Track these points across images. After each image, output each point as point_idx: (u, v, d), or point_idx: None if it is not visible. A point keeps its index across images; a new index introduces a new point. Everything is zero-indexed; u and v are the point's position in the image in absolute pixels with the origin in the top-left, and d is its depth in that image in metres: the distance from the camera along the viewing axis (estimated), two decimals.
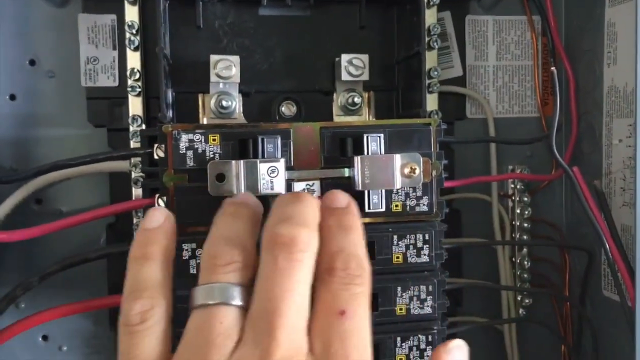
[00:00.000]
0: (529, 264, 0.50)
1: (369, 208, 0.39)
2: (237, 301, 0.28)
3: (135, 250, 0.30)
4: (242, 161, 0.37)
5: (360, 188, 0.38)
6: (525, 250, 0.51)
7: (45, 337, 0.48)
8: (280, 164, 0.37)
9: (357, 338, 0.27)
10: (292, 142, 0.39)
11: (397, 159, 0.38)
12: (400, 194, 0.40)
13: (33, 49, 0.46)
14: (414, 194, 0.40)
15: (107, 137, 0.47)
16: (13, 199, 0.44)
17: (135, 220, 0.45)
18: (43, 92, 0.46)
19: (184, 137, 0.38)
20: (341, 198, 0.32)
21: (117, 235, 0.47)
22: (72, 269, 0.43)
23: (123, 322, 0.29)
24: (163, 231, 0.31)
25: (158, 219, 0.32)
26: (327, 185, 0.39)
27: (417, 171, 0.39)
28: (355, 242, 0.30)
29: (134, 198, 0.44)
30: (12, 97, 0.46)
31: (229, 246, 0.29)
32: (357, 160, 0.38)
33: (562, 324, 0.51)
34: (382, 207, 0.39)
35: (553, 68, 0.42)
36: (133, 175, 0.44)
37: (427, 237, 0.40)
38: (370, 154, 0.39)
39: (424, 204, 0.40)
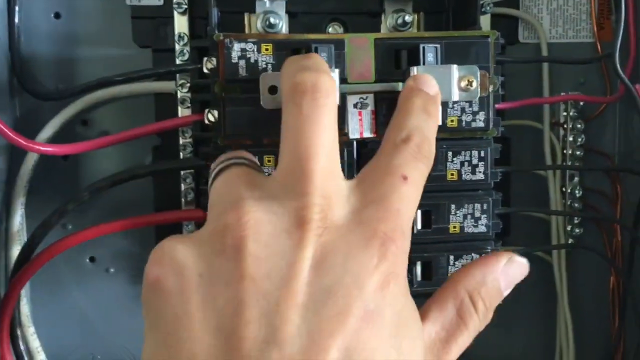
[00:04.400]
0: (581, 192, 0.49)
1: None
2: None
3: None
4: None
5: None
6: (576, 179, 0.49)
7: (92, 259, 0.48)
8: (335, 75, 0.36)
9: (410, 207, 0.27)
10: (346, 54, 0.38)
11: (455, 70, 0.37)
12: (456, 108, 0.39)
13: None
14: (470, 108, 0.39)
15: (152, 57, 0.46)
16: (59, 118, 0.44)
17: (181, 141, 0.44)
18: (87, 10, 0.46)
19: (237, 46, 0.37)
20: (433, 84, 0.32)
21: (163, 157, 0.46)
22: (120, 192, 0.43)
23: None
24: None
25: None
26: (381, 99, 0.38)
27: (475, 84, 0.38)
28: (433, 130, 0.30)
29: (181, 116, 0.44)
30: (57, 16, 0.46)
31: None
32: (413, 70, 0.37)
33: (612, 254, 0.50)
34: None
35: None
36: (179, 94, 0.44)
37: (482, 154, 0.39)
38: (426, 65, 0.38)
39: (480, 120, 0.39)
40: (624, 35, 0.48)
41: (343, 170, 0.37)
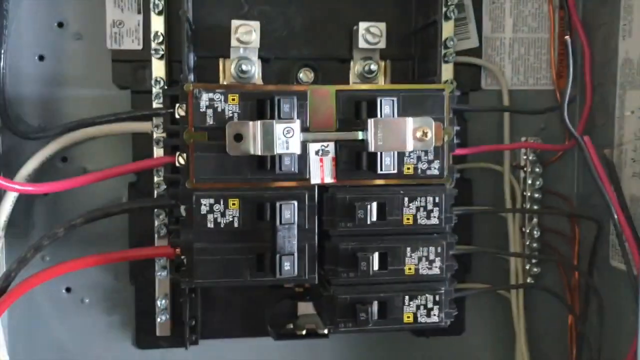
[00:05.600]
0: (539, 233, 0.51)
1: (381, 170, 0.40)
2: None
3: None
4: (258, 122, 0.38)
5: (373, 149, 0.39)
6: (535, 220, 0.51)
7: (68, 289, 0.50)
8: (296, 125, 0.39)
9: None
10: (308, 104, 0.40)
11: (410, 122, 0.39)
12: (412, 157, 0.41)
13: (61, 12, 0.48)
14: (426, 157, 0.41)
15: (131, 98, 0.48)
16: (40, 156, 0.46)
17: (156, 179, 0.46)
18: (70, 53, 0.48)
19: (205, 96, 0.39)
20: None
21: (138, 194, 0.48)
22: (96, 225, 0.45)
23: None
24: None
25: None
26: (342, 147, 0.41)
27: (429, 135, 0.40)
28: None
29: (155, 157, 0.46)
30: (41, 58, 0.48)
31: None
32: (371, 122, 0.39)
33: (570, 293, 0.52)
34: (394, 169, 0.41)
35: (567, 37, 0.43)
36: (155, 135, 0.46)
37: (437, 200, 0.41)
38: (383, 117, 0.40)
39: (435, 168, 0.42)
40: (581, 84, 0.50)
41: (304, 214, 0.40)
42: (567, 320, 0.53)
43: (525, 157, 0.51)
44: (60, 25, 0.48)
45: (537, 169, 0.51)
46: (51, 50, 0.48)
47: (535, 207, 0.51)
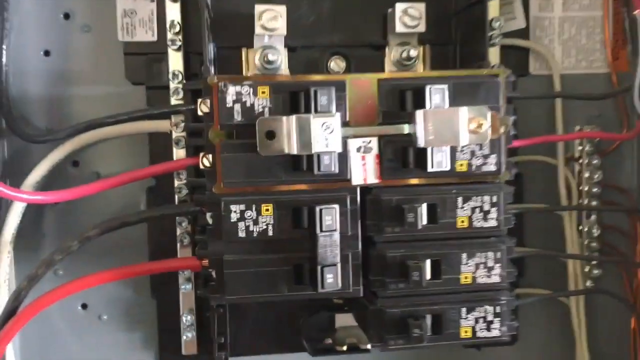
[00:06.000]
0: (598, 232, 0.47)
1: (431, 167, 0.36)
2: None
3: None
4: (293, 117, 0.34)
5: (422, 145, 0.35)
6: (593, 217, 0.47)
7: (84, 306, 0.46)
8: (336, 119, 0.34)
9: None
10: (347, 96, 0.36)
11: (464, 112, 0.35)
12: (465, 152, 0.37)
13: (68, 2, 0.44)
14: (481, 152, 0.37)
15: (146, 95, 0.44)
16: (49, 161, 0.42)
17: (176, 183, 0.42)
18: (78, 47, 0.44)
19: (231, 90, 0.35)
20: None
21: (157, 199, 0.44)
22: (112, 234, 0.40)
23: None
24: None
25: None
26: (386, 143, 0.36)
27: (485, 126, 0.35)
28: None
29: (175, 159, 0.42)
30: (47, 53, 0.44)
31: None
32: (420, 114, 0.34)
33: (634, 297, 0.47)
34: (446, 166, 0.36)
35: (637, 12, 0.38)
36: (174, 135, 0.42)
37: (494, 199, 0.37)
38: (433, 107, 0.35)
39: (491, 163, 0.37)
40: None
41: (345, 218, 0.36)
42: (629, 324, 0.48)
43: (580, 147, 0.47)
44: (67, 16, 0.44)
45: (595, 161, 0.46)
46: (57, 44, 0.44)
47: (594, 202, 0.46)
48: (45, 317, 0.45)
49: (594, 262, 0.47)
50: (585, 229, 0.47)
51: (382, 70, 0.44)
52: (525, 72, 0.47)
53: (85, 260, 0.44)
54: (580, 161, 0.47)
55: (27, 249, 0.44)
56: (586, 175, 0.46)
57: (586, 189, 0.46)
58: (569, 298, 0.47)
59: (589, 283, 0.47)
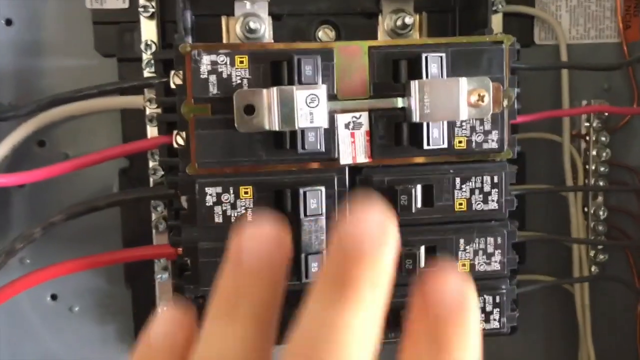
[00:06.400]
0: (605, 214, 0.43)
1: (427, 144, 0.33)
2: None
3: None
4: (274, 88, 0.30)
5: (417, 119, 0.32)
6: (600, 198, 0.44)
7: (54, 297, 0.43)
8: (322, 91, 0.31)
9: None
10: (334, 65, 0.32)
11: (463, 83, 0.31)
12: (464, 127, 0.33)
13: None
14: (481, 127, 0.34)
15: (118, 67, 0.40)
16: (11, 140, 0.38)
17: (151, 164, 0.39)
18: (43, 15, 0.40)
19: (206, 59, 0.31)
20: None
21: (131, 182, 0.41)
22: (84, 220, 0.37)
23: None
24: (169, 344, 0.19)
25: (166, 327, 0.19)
26: (377, 118, 0.33)
27: (486, 99, 0.32)
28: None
29: (149, 137, 0.38)
30: (8, 22, 0.40)
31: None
32: (414, 85, 0.31)
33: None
34: (443, 143, 0.33)
35: None
36: (147, 111, 0.38)
37: (495, 179, 0.34)
38: (429, 78, 0.32)
39: (492, 140, 0.34)
40: None
41: (332, 201, 0.32)
42: (635, 312, 0.45)
43: (587, 124, 0.43)
44: None
45: (603, 138, 0.43)
46: (20, 12, 0.40)
47: (601, 183, 0.43)
48: (14, 308, 0.42)
49: (600, 247, 0.43)
50: (592, 211, 0.44)
51: (375, 39, 0.40)
52: (529, 41, 0.44)
53: (54, 247, 0.41)
54: (587, 138, 0.43)
55: None
56: (593, 153, 0.43)
57: (593, 167, 0.43)
58: (574, 285, 0.44)
59: (594, 269, 0.44)
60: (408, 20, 0.39)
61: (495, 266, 0.34)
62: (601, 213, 0.43)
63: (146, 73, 0.38)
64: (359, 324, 0.16)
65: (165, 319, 0.19)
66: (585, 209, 0.44)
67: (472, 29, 0.40)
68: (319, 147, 0.32)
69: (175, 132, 0.33)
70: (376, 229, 0.16)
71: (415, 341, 0.17)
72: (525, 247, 0.45)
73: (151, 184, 0.39)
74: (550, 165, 0.44)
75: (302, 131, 0.31)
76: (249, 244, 0.18)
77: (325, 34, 0.42)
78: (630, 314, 0.46)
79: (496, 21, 0.40)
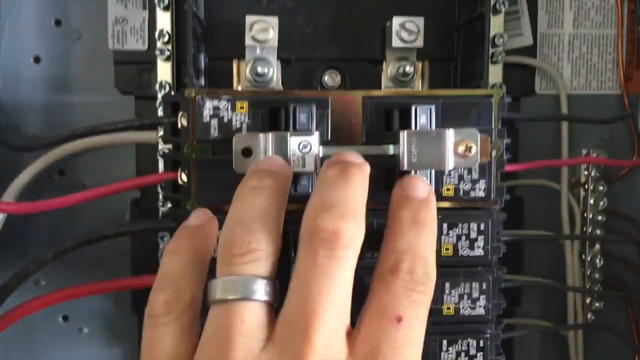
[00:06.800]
0: (602, 262, 0.44)
1: None
2: (261, 296, 0.25)
3: (168, 245, 0.28)
4: (270, 134, 0.32)
5: (405, 168, 0.33)
6: (597, 246, 0.44)
7: (65, 318, 0.45)
8: (314, 138, 0.32)
9: (410, 350, 0.24)
10: (329, 113, 0.34)
11: (450, 134, 0.33)
12: (452, 176, 0.35)
13: (59, 9, 0.43)
14: (469, 176, 0.35)
15: (135, 104, 0.43)
16: (32, 169, 0.41)
17: (161, 196, 0.41)
18: (69, 54, 0.43)
19: (208, 104, 0.34)
20: (421, 187, 0.29)
21: (142, 212, 0.43)
22: (97, 246, 0.40)
23: (147, 314, 0.26)
24: (201, 229, 0.29)
25: (200, 217, 0.30)
26: (369, 164, 0.34)
27: (474, 150, 0.33)
28: (427, 244, 0.27)
29: (160, 172, 0.41)
30: (37, 60, 0.43)
31: (248, 231, 0.26)
32: (403, 135, 0.33)
33: (638, 333, 0.45)
34: None
35: None
36: (160, 146, 0.41)
37: (482, 227, 0.35)
38: (419, 128, 0.34)
39: (480, 189, 0.35)
40: None
41: None
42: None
43: (586, 172, 0.44)
44: (58, 23, 0.43)
45: (601, 187, 0.44)
46: (48, 51, 0.43)
47: (598, 231, 0.44)
48: (29, 327, 0.44)
49: (595, 295, 0.44)
50: (588, 259, 0.44)
51: (379, 85, 0.42)
52: (530, 91, 0.45)
53: (68, 272, 0.43)
54: (586, 187, 0.44)
55: (11, 257, 0.43)
56: (591, 201, 0.44)
57: (590, 216, 0.44)
58: (568, 332, 0.44)
59: (590, 316, 0.44)
60: (409, 69, 0.41)
61: (480, 311, 0.35)
62: (598, 261, 0.44)
63: (160, 111, 0.41)
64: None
65: (199, 213, 0.30)
66: (583, 256, 0.45)
67: (472, 79, 0.41)
68: (310, 190, 0.34)
69: (180, 170, 0.35)
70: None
71: (396, 218, 0.27)
72: (522, 291, 0.45)
73: (160, 215, 0.41)
74: (550, 210, 0.45)
75: (296, 175, 0.33)
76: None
77: (331, 78, 0.44)
78: None
79: (496, 71, 0.41)
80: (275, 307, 0.26)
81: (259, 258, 0.25)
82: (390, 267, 0.26)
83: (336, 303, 0.24)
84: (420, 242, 0.27)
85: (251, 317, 0.24)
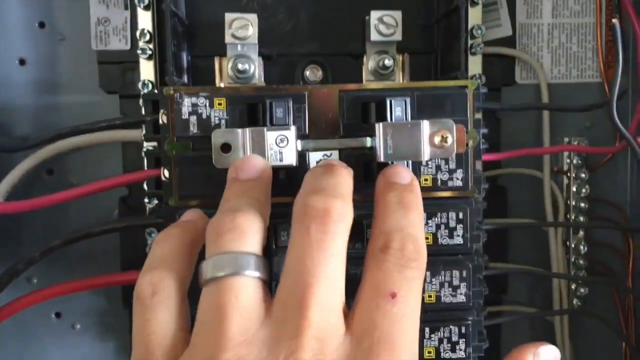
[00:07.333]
0: (586, 249, 0.44)
1: None
2: (251, 272, 0.25)
3: (158, 235, 0.29)
4: (247, 129, 0.33)
5: (382, 159, 0.33)
6: (581, 233, 0.45)
7: (58, 315, 0.46)
8: (291, 132, 0.33)
9: (407, 325, 0.25)
10: (307, 107, 0.35)
11: (425, 125, 0.33)
12: (430, 166, 0.35)
13: (42, 11, 0.44)
14: (446, 166, 0.35)
15: (120, 103, 0.44)
16: (20, 168, 0.41)
17: (147, 192, 0.42)
18: (53, 56, 0.44)
19: (187, 101, 0.34)
20: (404, 173, 0.30)
21: (130, 209, 0.44)
22: (87, 242, 0.40)
23: (135, 297, 0.27)
24: (191, 222, 0.30)
25: (191, 215, 0.31)
26: (347, 156, 0.35)
27: (450, 140, 0.34)
28: (415, 223, 0.27)
29: (143, 170, 0.41)
30: (22, 62, 0.44)
31: (234, 212, 0.27)
32: (379, 127, 0.33)
33: (624, 318, 0.45)
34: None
35: (614, 20, 0.36)
36: (144, 144, 0.41)
37: (460, 215, 0.35)
38: (394, 120, 0.34)
39: (457, 178, 0.35)
40: (633, 75, 0.43)
41: None
42: (620, 349, 0.46)
43: (568, 160, 0.45)
44: (42, 25, 0.44)
45: (583, 175, 0.44)
46: (33, 53, 0.44)
47: (582, 218, 0.44)
48: (23, 324, 0.45)
49: (579, 281, 0.44)
50: (572, 245, 0.45)
51: (360, 79, 0.43)
52: (511, 81, 0.45)
53: (59, 269, 0.44)
54: (568, 174, 0.45)
55: (4, 257, 0.44)
56: (573, 189, 0.44)
57: (573, 203, 0.44)
58: (554, 318, 0.45)
59: (575, 302, 0.45)
60: (388, 62, 0.41)
61: (461, 298, 0.36)
62: (582, 247, 0.44)
63: (143, 110, 0.41)
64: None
65: (190, 212, 0.31)
66: (567, 243, 0.45)
67: (452, 70, 0.42)
68: (288, 183, 0.34)
69: (162, 166, 0.36)
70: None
71: (382, 202, 0.28)
72: (508, 279, 0.46)
73: (147, 212, 0.42)
74: (534, 198, 0.46)
75: (274, 169, 0.34)
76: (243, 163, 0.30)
77: (312, 73, 0.44)
78: (615, 348, 0.46)
79: (476, 62, 0.42)
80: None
81: (247, 234, 0.26)
82: (380, 247, 0.26)
83: (329, 276, 0.25)
84: (409, 221, 0.27)
85: (245, 292, 0.25)
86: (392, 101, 0.34)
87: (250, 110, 0.34)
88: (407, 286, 0.25)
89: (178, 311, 0.26)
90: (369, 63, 0.43)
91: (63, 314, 0.46)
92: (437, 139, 0.34)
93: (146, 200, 0.41)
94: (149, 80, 0.41)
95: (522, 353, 0.27)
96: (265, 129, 0.33)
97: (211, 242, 0.26)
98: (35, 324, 0.45)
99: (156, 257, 0.28)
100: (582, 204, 0.44)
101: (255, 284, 0.25)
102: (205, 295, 0.25)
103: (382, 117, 0.34)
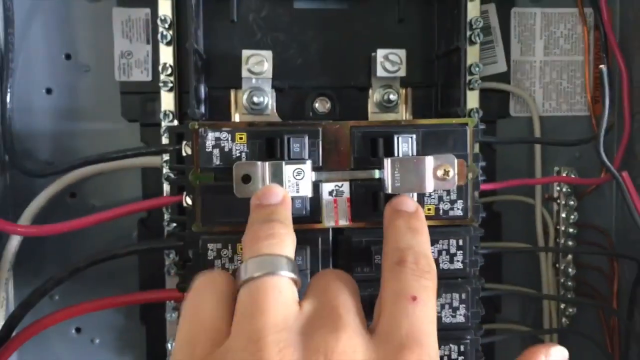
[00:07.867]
0: (574, 271, 0.48)
1: None
2: (287, 272, 0.27)
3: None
4: (267, 162, 0.36)
5: (390, 191, 0.37)
6: (570, 256, 0.48)
7: (78, 330, 0.48)
8: (307, 166, 0.36)
9: (429, 327, 0.27)
10: (320, 142, 0.38)
11: (429, 160, 0.36)
12: (433, 197, 0.38)
13: (69, 43, 0.46)
14: (448, 197, 0.38)
15: (140, 131, 0.46)
16: (47, 193, 0.44)
17: (166, 216, 0.44)
18: (78, 86, 0.46)
19: (210, 135, 0.37)
20: (409, 203, 0.33)
21: (148, 230, 0.46)
22: (107, 263, 0.43)
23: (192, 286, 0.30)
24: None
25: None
26: (357, 187, 0.38)
27: (451, 173, 0.37)
28: (424, 243, 0.30)
29: (165, 194, 0.44)
30: (49, 91, 0.47)
31: (269, 224, 0.30)
32: (387, 162, 0.36)
33: (609, 337, 0.48)
34: None
35: (602, 66, 0.39)
36: (164, 170, 0.44)
37: (460, 242, 0.38)
38: (401, 155, 0.37)
39: (458, 208, 0.39)
40: (619, 111, 0.47)
41: (316, 258, 0.38)
42: None
43: (558, 188, 0.48)
44: (68, 57, 0.46)
45: (572, 202, 0.47)
46: (59, 83, 0.46)
47: (570, 242, 0.47)
48: (43, 338, 0.47)
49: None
50: (562, 268, 0.48)
51: (366, 110, 0.46)
52: (506, 114, 0.49)
53: (81, 287, 0.46)
54: (558, 202, 0.48)
55: (27, 276, 0.46)
56: (563, 215, 0.47)
57: (563, 228, 0.47)
58: (544, 336, 0.48)
59: (564, 321, 0.48)
60: (392, 96, 0.45)
61: (460, 319, 0.39)
62: (570, 270, 0.48)
63: (164, 138, 0.44)
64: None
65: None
66: (557, 265, 0.48)
67: (451, 104, 0.45)
68: (304, 213, 0.37)
69: (184, 194, 0.39)
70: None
71: (392, 227, 0.31)
72: (501, 299, 0.49)
73: (165, 234, 0.45)
74: (526, 223, 0.49)
75: (290, 199, 0.37)
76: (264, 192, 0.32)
77: (321, 104, 0.47)
78: None
79: (473, 96, 0.45)
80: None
81: (283, 240, 0.29)
82: (396, 261, 0.29)
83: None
84: (418, 242, 0.30)
85: (283, 289, 0.27)
86: (400, 138, 0.37)
87: (269, 144, 0.37)
88: (424, 293, 0.28)
89: (227, 303, 0.28)
90: (375, 96, 0.46)
91: (83, 329, 0.48)
92: (440, 173, 0.37)
93: (165, 223, 0.44)
94: (169, 111, 0.44)
95: (535, 353, 0.29)
96: (283, 162, 0.36)
97: (248, 247, 0.29)
98: (55, 338, 0.48)
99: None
100: (571, 229, 0.47)
101: (290, 284, 0.27)
102: (244, 292, 0.27)
103: (389, 152, 0.38)
